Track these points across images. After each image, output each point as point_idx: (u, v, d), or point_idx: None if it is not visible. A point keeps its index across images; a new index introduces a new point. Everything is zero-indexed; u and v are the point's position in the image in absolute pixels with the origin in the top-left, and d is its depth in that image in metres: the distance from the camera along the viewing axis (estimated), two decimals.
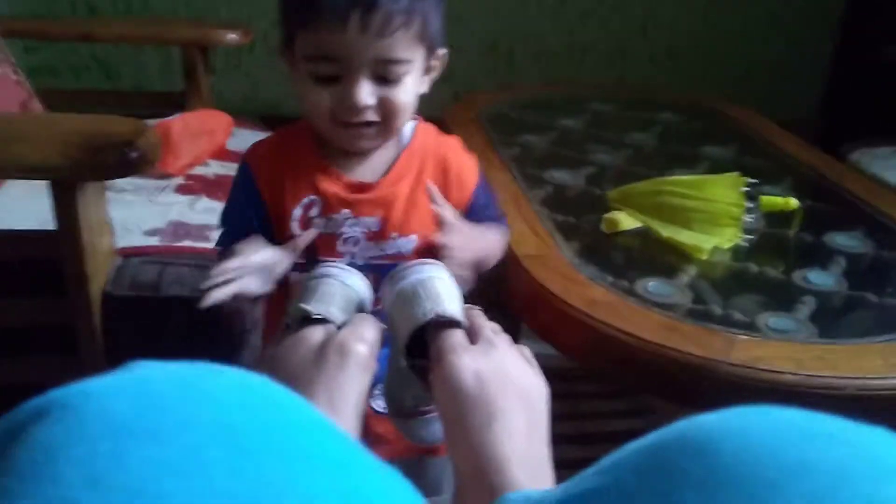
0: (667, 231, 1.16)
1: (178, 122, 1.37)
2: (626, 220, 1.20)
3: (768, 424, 0.30)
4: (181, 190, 1.33)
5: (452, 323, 0.60)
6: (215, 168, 1.43)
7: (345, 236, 0.81)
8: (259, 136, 1.64)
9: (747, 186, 1.21)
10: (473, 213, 0.87)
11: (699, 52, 2.95)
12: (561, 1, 2.82)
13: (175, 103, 1.66)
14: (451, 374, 0.54)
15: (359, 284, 0.64)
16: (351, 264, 0.76)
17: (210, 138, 1.45)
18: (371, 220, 0.81)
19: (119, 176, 0.98)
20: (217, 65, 1.75)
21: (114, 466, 0.26)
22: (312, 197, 0.80)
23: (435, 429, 0.65)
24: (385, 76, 0.74)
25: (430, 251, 0.81)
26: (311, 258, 0.80)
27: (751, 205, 1.21)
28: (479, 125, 1.68)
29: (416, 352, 0.60)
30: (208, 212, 1.27)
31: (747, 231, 1.19)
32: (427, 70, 0.80)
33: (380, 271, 0.75)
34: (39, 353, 1.11)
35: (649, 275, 1.08)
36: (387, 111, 0.76)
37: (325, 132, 0.79)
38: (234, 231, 0.81)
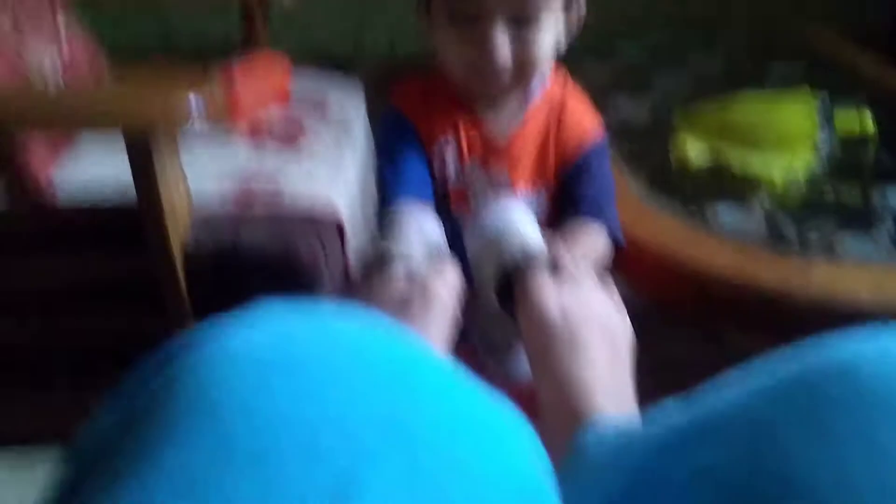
0: (737, 156, 1.14)
1: (239, 69, 1.38)
2: (695, 147, 1.18)
3: None
4: (248, 137, 1.35)
5: (536, 261, 0.60)
6: (279, 113, 1.44)
7: (473, 190, 0.79)
8: (317, 79, 1.65)
9: (820, 104, 1.17)
10: (577, 175, 0.81)
11: None
12: None
13: (234, 49, 1.67)
14: (536, 308, 0.56)
15: (433, 227, 0.65)
16: None
17: (272, 83, 1.46)
18: (500, 176, 0.79)
19: (189, 126, 1.00)
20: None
21: (263, 396, 0.28)
22: (449, 138, 0.79)
23: (525, 364, 0.66)
24: (520, 15, 0.71)
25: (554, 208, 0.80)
26: (447, 213, 0.78)
27: (824, 124, 1.18)
28: None
29: (504, 292, 0.61)
30: (276, 157, 1.29)
31: (821, 152, 1.16)
32: (568, 19, 0.77)
33: None
34: (129, 304, 1.15)
35: (721, 203, 1.07)
36: (522, 52, 0.73)
37: (461, 79, 0.77)
38: (404, 173, 0.77)
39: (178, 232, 1.07)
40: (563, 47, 0.78)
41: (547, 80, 0.82)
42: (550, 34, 0.74)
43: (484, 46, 0.71)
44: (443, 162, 0.79)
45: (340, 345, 0.31)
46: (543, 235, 0.65)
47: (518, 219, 0.64)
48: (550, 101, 0.81)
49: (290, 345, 0.30)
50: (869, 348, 0.31)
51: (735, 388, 0.33)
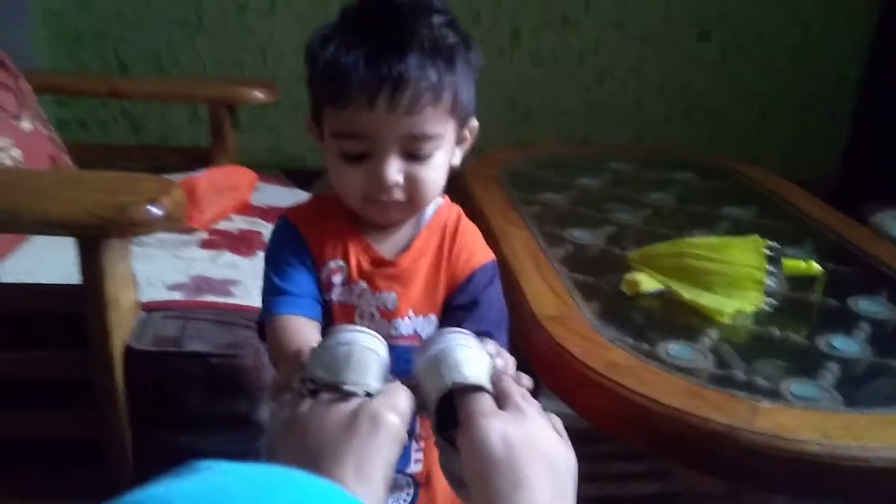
0: (688, 294, 1.16)
1: (203, 178, 1.39)
2: (647, 282, 1.20)
3: None
4: (205, 245, 1.34)
5: (479, 389, 0.59)
6: (239, 223, 1.44)
7: (360, 310, 0.79)
8: (283, 190, 1.67)
9: (769, 249, 1.21)
10: (463, 301, 0.80)
11: (715, 110, 2.97)
12: (578, 61, 2.86)
13: (202, 158, 1.69)
14: (479, 437, 0.54)
15: (381, 349, 0.64)
16: None
17: (235, 194, 1.47)
18: (388, 297, 0.79)
19: (144, 234, 1.00)
20: (241, 119, 1.78)
21: None
22: (340, 262, 0.79)
23: None
24: (414, 152, 0.73)
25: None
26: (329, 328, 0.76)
27: (773, 268, 1.21)
28: (499, 183, 1.69)
29: (445, 418, 0.60)
30: (231, 267, 1.28)
31: (769, 295, 1.19)
32: (458, 141, 0.79)
33: (394, 352, 0.66)
34: (60, 405, 1.11)
35: (671, 338, 1.07)
36: (414, 188, 0.75)
37: (354, 208, 0.78)
38: (296, 286, 0.76)
39: (121, 330, 1.05)
40: (457, 164, 0.81)
41: (439, 206, 0.83)
42: (443, 161, 0.77)
43: (376, 182, 0.73)
44: (330, 278, 0.78)
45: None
46: (490, 363, 0.64)
47: (464, 344, 0.63)
48: (443, 228, 0.82)
49: (223, 498, 0.30)
50: None
51: None
